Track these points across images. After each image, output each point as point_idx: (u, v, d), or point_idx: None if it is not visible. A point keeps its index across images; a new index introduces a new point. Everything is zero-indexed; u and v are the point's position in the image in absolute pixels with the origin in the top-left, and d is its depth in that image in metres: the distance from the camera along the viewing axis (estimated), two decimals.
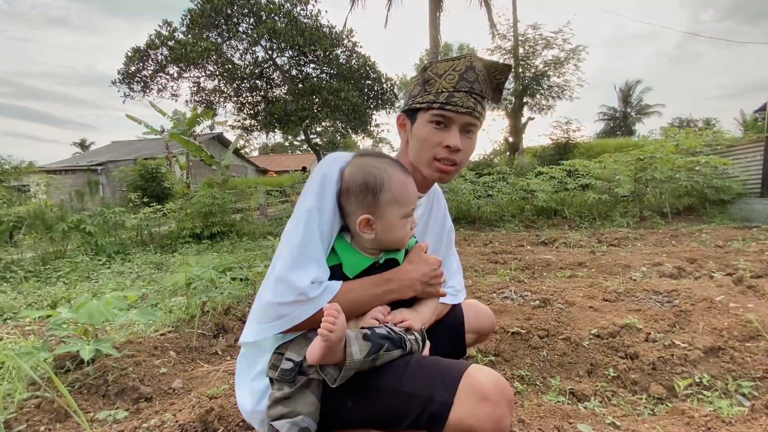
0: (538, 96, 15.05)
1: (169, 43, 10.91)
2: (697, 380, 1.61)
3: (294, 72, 13.33)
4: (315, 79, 12.92)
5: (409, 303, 0.98)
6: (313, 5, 12.27)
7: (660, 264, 3.54)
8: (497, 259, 4.53)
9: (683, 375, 1.64)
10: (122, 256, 6.18)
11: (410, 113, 1.04)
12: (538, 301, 2.53)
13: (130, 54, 11.14)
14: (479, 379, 0.76)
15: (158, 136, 11.58)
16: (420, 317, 0.95)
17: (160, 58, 11.36)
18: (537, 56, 14.44)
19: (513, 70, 14.68)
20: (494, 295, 2.84)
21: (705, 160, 7.20)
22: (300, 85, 12.81)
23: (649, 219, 7.23)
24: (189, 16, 11.03)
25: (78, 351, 1.50)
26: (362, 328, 0.86)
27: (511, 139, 16.05)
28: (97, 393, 1.60)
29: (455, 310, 1.29)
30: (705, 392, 1.55)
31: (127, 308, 1.70)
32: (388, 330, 0.85)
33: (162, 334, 2.22)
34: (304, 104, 12.03)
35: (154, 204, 8.13)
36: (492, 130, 24.17)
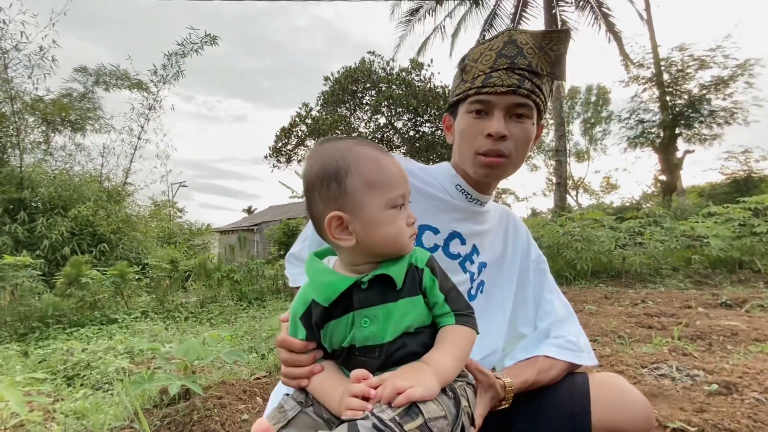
0: (696, 125, 12.51)
1: (307, 120, 13.02)
2: None
3: (411, 133, 14.20)
4: (430, 136, 13.49)
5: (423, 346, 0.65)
6: (426, 69, 13.19)
7: None
8: (651, 322, 3.53)
9: None
10: (259, 302, 6.98)
11: (452, 110, 0.88)
12: (716, 385, 1.76)
13: (278, 133, 13.67)
14: None
15: (300, 200, 13.51)
16: (430, 376, 0.58)
17: (300, 133, 13.59)
18: (689, 80, 12.25)
19: (659, 98, 12.71)
20: (645, 370, 2.13)
21: None
22: (417, 144, 13.51)
23: None
24: (323, 97, 13.09)
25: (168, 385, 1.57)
26: (341, 419, 0.57)
27: (664, 178, 13.47)
28: (183, 431, 1.64)
29: (576, 386, 0.84)
30: None
31: (218, 348, 1.76)
32: (376, 423, 0.52)
33: (257, 378, 2.25)
34: (419, 161, 12.58)
35: None
36: (636, 170, 20.92)
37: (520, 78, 0.81)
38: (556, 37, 0.82)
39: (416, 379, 0.57)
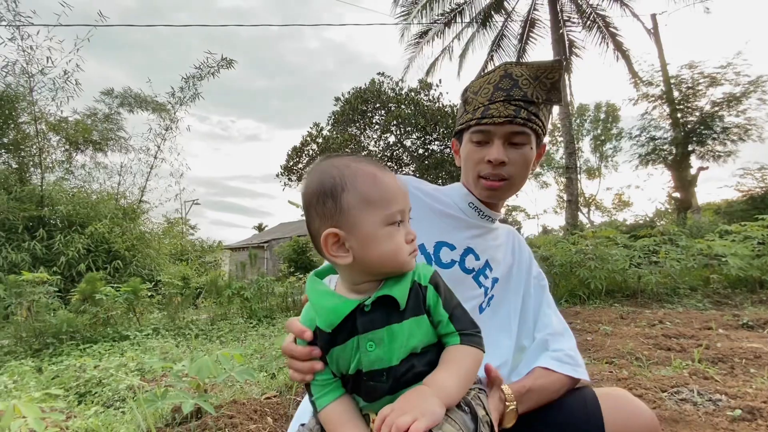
0: (709, 141, 12.39)
1: (318, 140, 13.28)
2: None
3: (420, 151, 14.33)
4: (439, 154, 13.61)
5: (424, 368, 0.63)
6: (435, 89, 13.40)
7: None
8: (670, 344, 3.42)
9: None
10: (269, 320, 6.96)
11: (458, 136, 0.98)
12: (740, 411, 1.70)
13: (290, 152, 13.95)
14: None
15: None
16: (433, 400, 0.57)
17: (311, 152, 13.84)
18: (700, 97, 12.20)
19: (669, 116, 12.66)
20: (664, 395, 2.07)
21: None
22: (425, 162, 13.62)
23: None
24: (333, 117, 13.37)
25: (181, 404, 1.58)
26: None
27: (678, 195, 13.26)
28: None
29: (587, 399, 0.86)
30: None
31: (230, 367, 1.77)
32: None
33: (267, 398, 2.24)
34: (428, 178, 12.65)
35: (298, 274, 9.17)
36: (648, 187, 20.66)
37: (516, 108, 0.88)
38: (549, 67, 0.90)
39: (419, 409, 0.55)
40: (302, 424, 0.71)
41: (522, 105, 0.88)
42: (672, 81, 12.54)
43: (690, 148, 12.68)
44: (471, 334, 0.66)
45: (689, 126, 12.46)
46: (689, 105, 12.39)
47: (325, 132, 13.81)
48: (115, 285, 6.19)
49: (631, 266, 6.66)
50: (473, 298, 0.94)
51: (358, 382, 0.64)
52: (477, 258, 0.97)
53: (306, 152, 14.07)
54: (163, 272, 8.05)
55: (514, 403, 0.80)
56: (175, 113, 10.26)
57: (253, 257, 9.42)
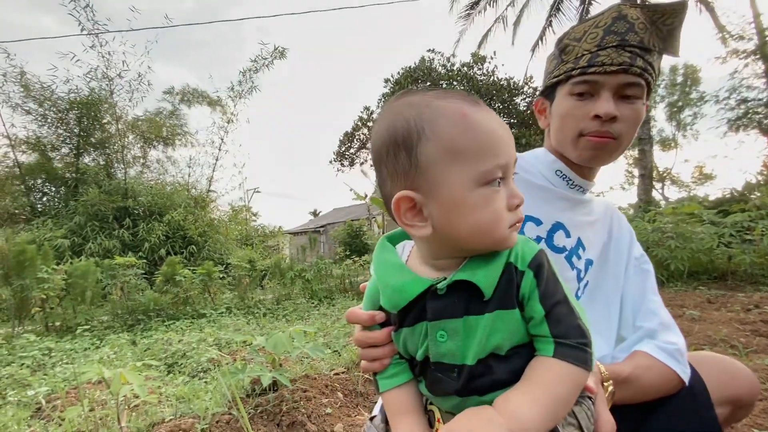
0: None
1: (368, 124, 13.31)
2: None
3: None
4: None
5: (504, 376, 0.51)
6: (489, 62, 12.73)
7: None
8: None
9: None
10: (329, 300, 7.24)
11: (548, 93, 0.85)
12: None
13: (341, 138, 14.20)
14: None
15: (362, 201, 13.81)
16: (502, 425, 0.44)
17: (361, 137, 13.95)
18: None
19: (765, 73, 10.94)
20: None
21: None
22: None
23: None
24: (383, 99, 13.28)
25: (260, 377, 1.67)
26: None
27: None
28: (273, 420, 1.72)
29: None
30: None
31: (302, 344, 1.83)
32: None
33: (336, 374, 2.31)
34: None
35: (354, 257, 9.41)
36: (739, 157, 18.24)
37: (631, 55, 0.76)
38: (670, 10, 0.77)
39: None
40: (371, 418, 0.66)
41: (638, 52, 0.76)
42: (767, 33, 10.77)
43: None
44: (572, 346, 0.48)
45: None
46: None
47: (375, 115, 13.89)
48: (191, 268, 6.77)
49: (719, 245, 5.95)
50: (566, 282, 0.84)
51: (425, 370, 0.55)
52: (568, 235, 0.86)
53: (357, 137, 14.27)
54: (231, 256, 8.66)
55: (611, 382, 0.71)
56: (235, 106, 10.82)
57: (312, 241, 9.80)
